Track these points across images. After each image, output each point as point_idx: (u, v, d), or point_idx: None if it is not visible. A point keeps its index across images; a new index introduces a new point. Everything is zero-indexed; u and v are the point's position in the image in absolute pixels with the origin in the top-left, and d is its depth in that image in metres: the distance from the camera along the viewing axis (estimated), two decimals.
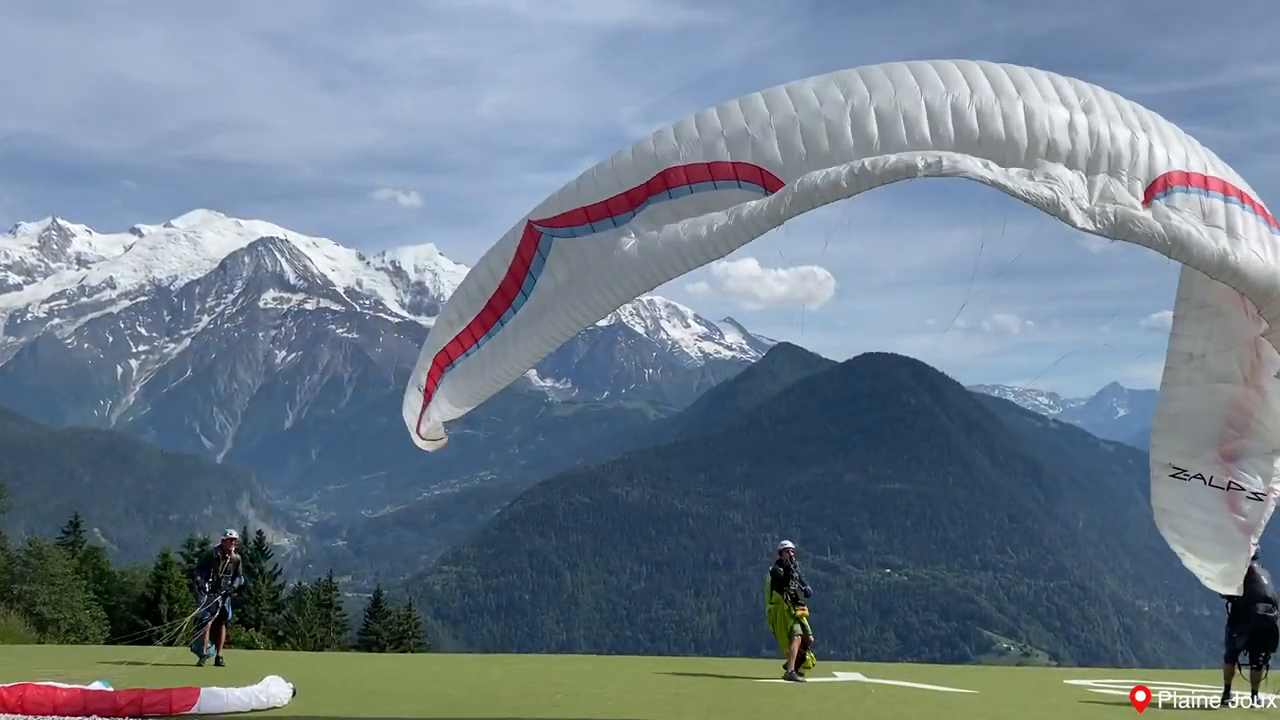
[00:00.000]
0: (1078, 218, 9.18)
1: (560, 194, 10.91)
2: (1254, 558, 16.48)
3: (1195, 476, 10.96)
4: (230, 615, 20.59)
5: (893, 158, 9.19)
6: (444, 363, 12.13)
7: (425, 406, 12.26)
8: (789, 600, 18.99)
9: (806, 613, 19.12)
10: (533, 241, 10.97)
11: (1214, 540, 11.13)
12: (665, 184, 10.10)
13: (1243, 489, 10.67)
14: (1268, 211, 10.33)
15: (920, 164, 9.08)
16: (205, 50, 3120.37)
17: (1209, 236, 9.47)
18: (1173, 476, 11.10)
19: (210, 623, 20.00)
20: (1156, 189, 9.62)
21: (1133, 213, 9.30)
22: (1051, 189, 9.18)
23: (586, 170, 10.99)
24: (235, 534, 20.99)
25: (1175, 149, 9.95)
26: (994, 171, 9.19)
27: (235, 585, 20.33)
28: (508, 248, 11.24)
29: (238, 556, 20.61)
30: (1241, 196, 10.07)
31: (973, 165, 9.15)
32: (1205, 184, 9.86)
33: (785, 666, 19.32)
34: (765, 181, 9.71)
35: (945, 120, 9.44)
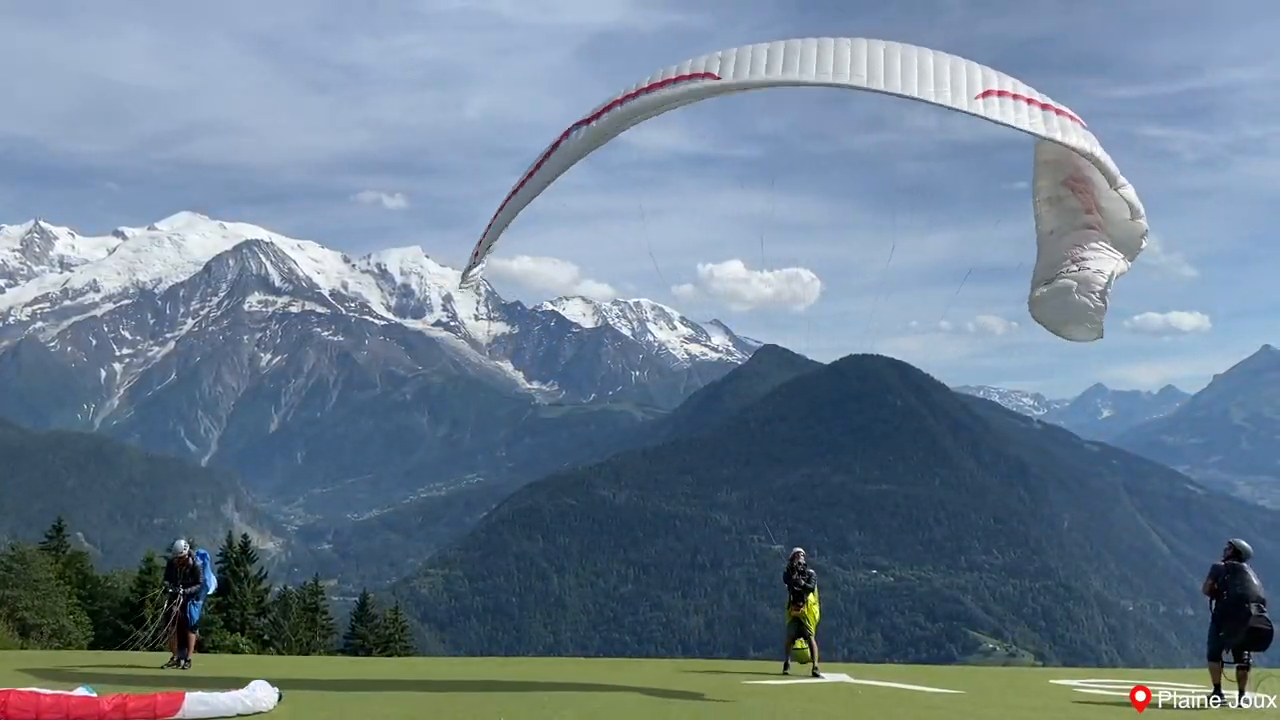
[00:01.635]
0: (947, 100, 15.18)
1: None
2: (1246, 561, 16.48)
3: (1057, 277, 17.05)
4: (195, 619, 21.15)
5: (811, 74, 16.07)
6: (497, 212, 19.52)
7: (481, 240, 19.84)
8: (791, 597, 20.25)
9: (802, 611, 20.17)
10: (565, 135, 18.38)
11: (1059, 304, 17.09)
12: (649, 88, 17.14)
13: (1087, 268, 16.73)
14: (1077, 118, 15.99)
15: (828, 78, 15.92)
16: (188, 52, 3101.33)
17: (1031, 119, 15.43)
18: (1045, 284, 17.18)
19: (173, 625, 21.00)
20: (984, 96, 15.43)
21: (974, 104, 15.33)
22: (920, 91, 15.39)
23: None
24: (184, 550, 21.39)
25: (1003, 78, 15.87)
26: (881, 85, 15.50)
27: (190, 590, 21.00)
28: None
29: (193, 563, 21.20)
30: (1050, 107, 15.72)
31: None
32: (1018, 97, 15.62)
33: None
34: (708, 78, 16.57)
35: (850, 59, 16.06)
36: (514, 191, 19.16)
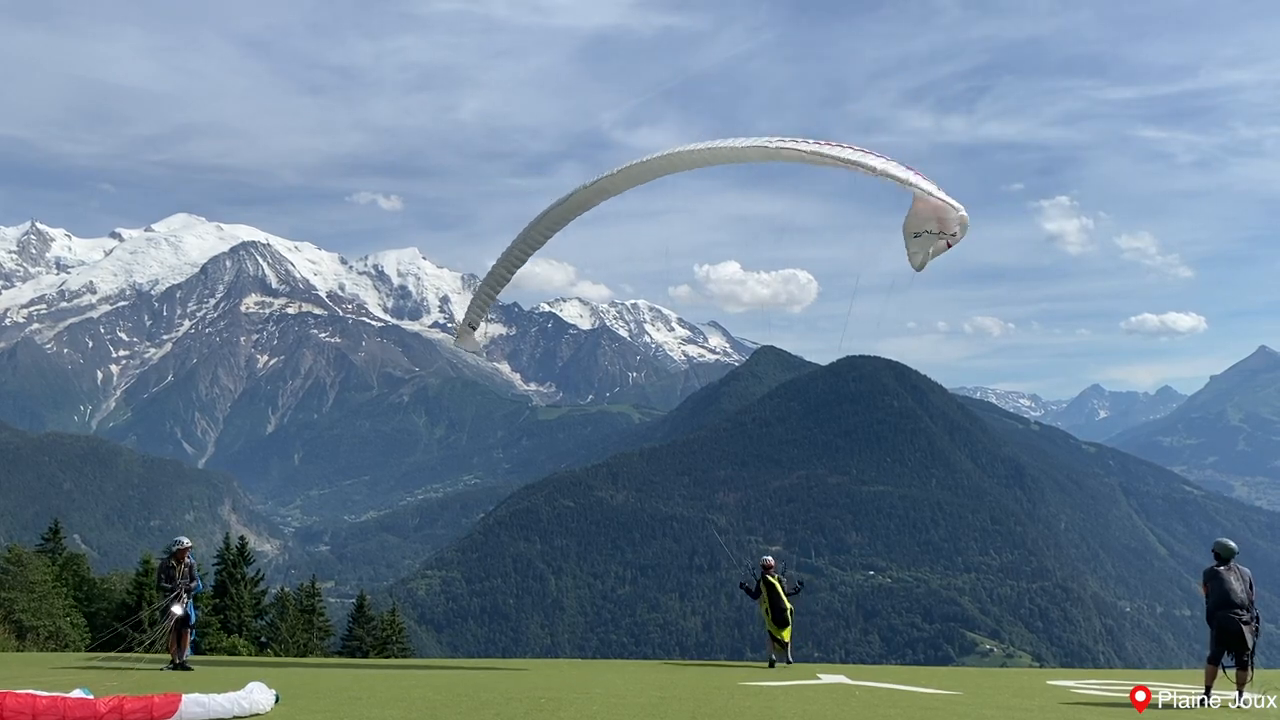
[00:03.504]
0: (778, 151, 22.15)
1: None
2: (1227, 565, 16.60)
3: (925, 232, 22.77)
4: (193, 618, 21.19)
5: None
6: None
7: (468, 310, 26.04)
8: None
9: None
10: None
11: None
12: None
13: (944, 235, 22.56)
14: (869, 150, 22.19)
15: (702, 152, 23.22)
16: (183, 54, 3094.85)
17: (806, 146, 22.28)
18: (915, 236, 22.65)
19: (173, 626, 20.76)
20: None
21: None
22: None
23: None
24: (187, 542, 21.31)
25: (795, 139, 22.39)
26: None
27: (191, 588, 20.94)
28: None
29: (191, 561, 21.13)
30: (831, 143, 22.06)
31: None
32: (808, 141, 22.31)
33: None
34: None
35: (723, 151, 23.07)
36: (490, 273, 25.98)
